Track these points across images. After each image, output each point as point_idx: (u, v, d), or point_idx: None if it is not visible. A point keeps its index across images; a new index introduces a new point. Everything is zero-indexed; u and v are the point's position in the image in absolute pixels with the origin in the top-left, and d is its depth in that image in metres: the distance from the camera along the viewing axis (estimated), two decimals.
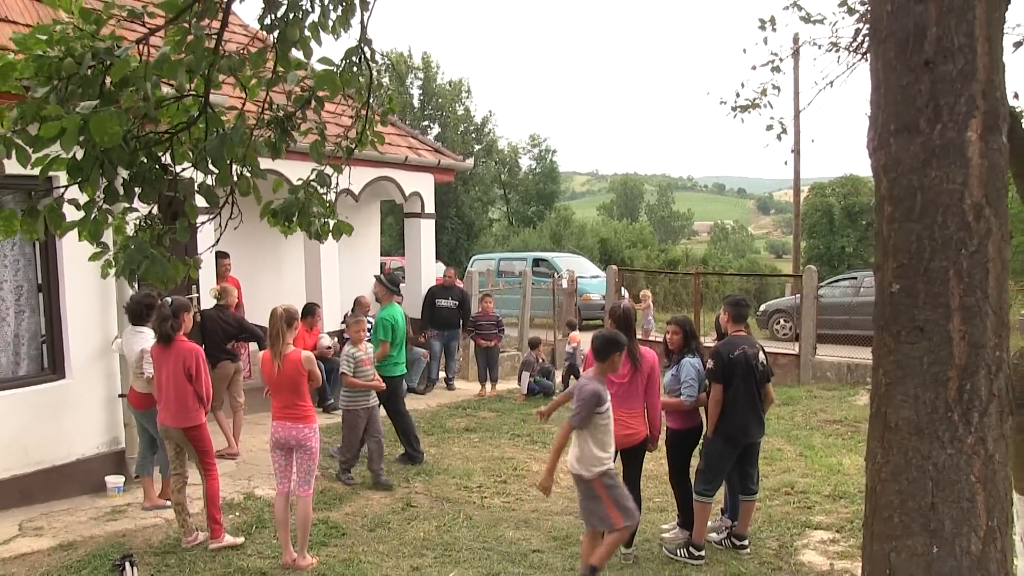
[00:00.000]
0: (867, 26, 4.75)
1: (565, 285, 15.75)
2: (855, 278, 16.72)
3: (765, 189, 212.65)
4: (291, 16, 2.75)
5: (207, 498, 5.48)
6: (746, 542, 5.64)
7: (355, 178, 9.00)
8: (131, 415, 6.46)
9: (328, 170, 3.37)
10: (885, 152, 2.14)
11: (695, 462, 5.73)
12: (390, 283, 8.18)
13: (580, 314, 16.64)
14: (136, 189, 2.71)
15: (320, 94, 3.05)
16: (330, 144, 3.42)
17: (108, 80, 2.46)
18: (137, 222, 2.96)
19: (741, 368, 5.39)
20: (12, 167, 2.50)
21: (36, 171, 2.57)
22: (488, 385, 11.47)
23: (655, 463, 7.16)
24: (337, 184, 3.48)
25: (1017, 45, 4.28)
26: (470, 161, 14.26)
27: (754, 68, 5.90)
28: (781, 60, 5.81)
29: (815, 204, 34.51)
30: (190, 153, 2.89)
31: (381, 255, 14.44)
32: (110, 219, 2.78)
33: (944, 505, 2.03)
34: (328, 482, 6.99)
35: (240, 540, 5.56)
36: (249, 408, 8.27)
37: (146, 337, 5.99)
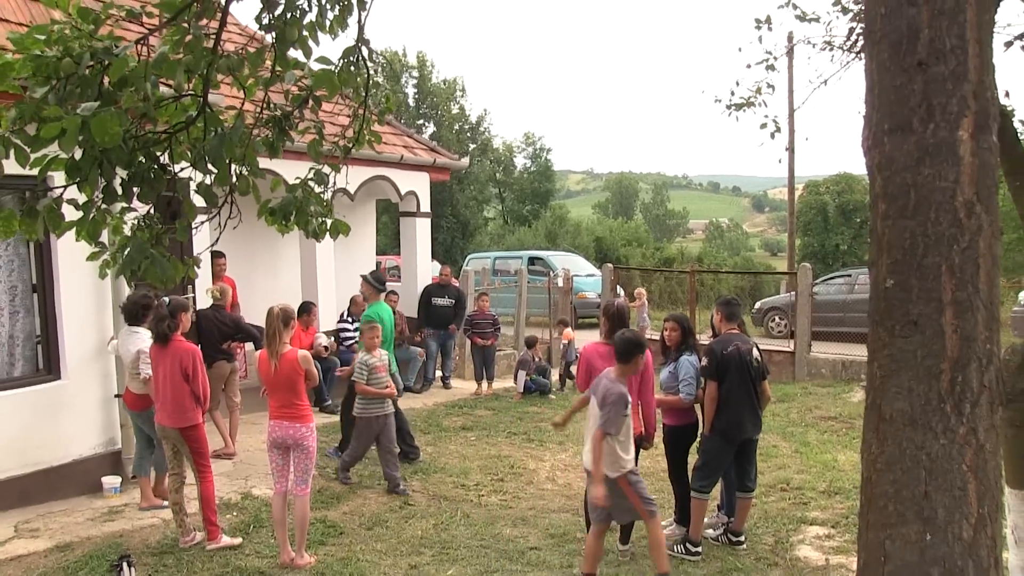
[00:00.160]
0: (861, 25, 4.78)
1: (561, 283, 15.78)
2: (849, 275, 16.79)
3: (760, 187, 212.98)
4: (289, 16, 2.76)
5: (202, 501, 5.48)
6: (742, 538, 5.67)
7: (351, 177, 8.99)
8: (127, 415, 6.46)
9: (326, 169, 3.38)
10: (879, 151, 2.19)
11: (692, 459, 5.76)
12: (376, 281, 8.15)
13: (576, 312, 16.67)
14: (134, 189, 2.72)
15: (318, 93, 3.06)
16: (327, 143, 3.44)
17: (106, 80, 2.47)
18: (136, 222, 2.96)
19: (735, 364, 5.43)
20: (9, 167, 2.49)
21: (33, 171, 2.58)
22: (484, 384, 11.48)
23: (651, 460, 7.20)
24: (335, 183, 3.50)
25: (1008, 44, 4.31)
26: (465, 160, 14.27)
27: (749, 67, 5.94)
28: (776, 59, 5.84)
29: (809, 202, 34.65)
30: (188, 153, 2.90)
31: (377, 254, 14.45)
32: (108, 219, 2.79)
33: (937, 493, 2.09)
34: (325, 481, 7.00)
35: (238, 541, 5.57)
36: (245, 408, 8.27)
37: (142, 338, 5.99)
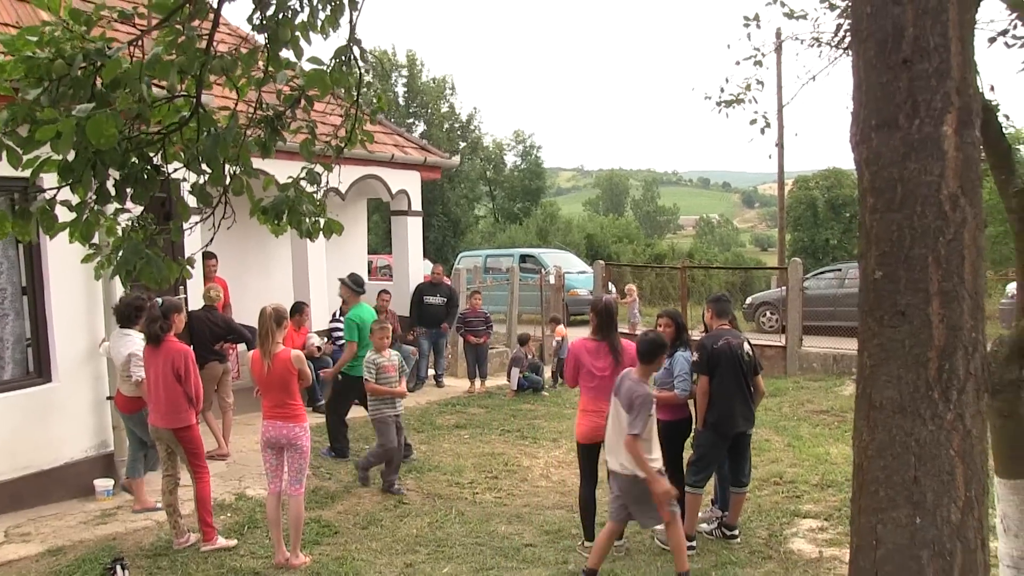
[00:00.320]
0: (848, 21, 4.81)
1: (552, 281, 15.81)
2: (839, 270, 16.87)
3: (750, 183, 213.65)
4: (281, 16, 2.77)
5: (198, 501, 5.47)
6: (736, 532, 5.71)
7: (342, 176, 8.98)
8: (119, 418, 6.44)
9: (318, 169, 3.39)
10: (867, 146, 2.24)
11: (687, 454, 5.79)
12: (354, 284, 8.14)
13: (567, 309, 16.71)
14: (128, 190, 2.72)
15: (310, 93, 3.07)
16: (320, 143, 3.44)
17: (99, 81, 2.47)
18: (129, 223, 2.96)
19: (725, 358, 5.48)
20: (0, 169, 2.49)
21: (25, 172, 2.57)
22: (477, 381, 11.50)
23: None
24: (327, 182, 3.50)
25: (991, 40, 4.35)
26: (456, 158, 14.28)
27: (738, 63, 5.95)
28: (764, 55, 5.86)
29: (799, 197, 34.80)
30: (181, 154, 2.90)
31: (368, 253, 14.43)
32: (102, 220, 2.79)
33: (926, 478, 2.14)
34: (319, 481, 7.01)
35: (233, 543, 5.56)
36: (238, 408, 8.26)
37: (133, 340, 5.98)
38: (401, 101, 39.28)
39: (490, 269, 20.10)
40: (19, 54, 2.44)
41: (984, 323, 2.21)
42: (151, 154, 2.79)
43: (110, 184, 2.67)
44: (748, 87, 6.00)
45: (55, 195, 2.61)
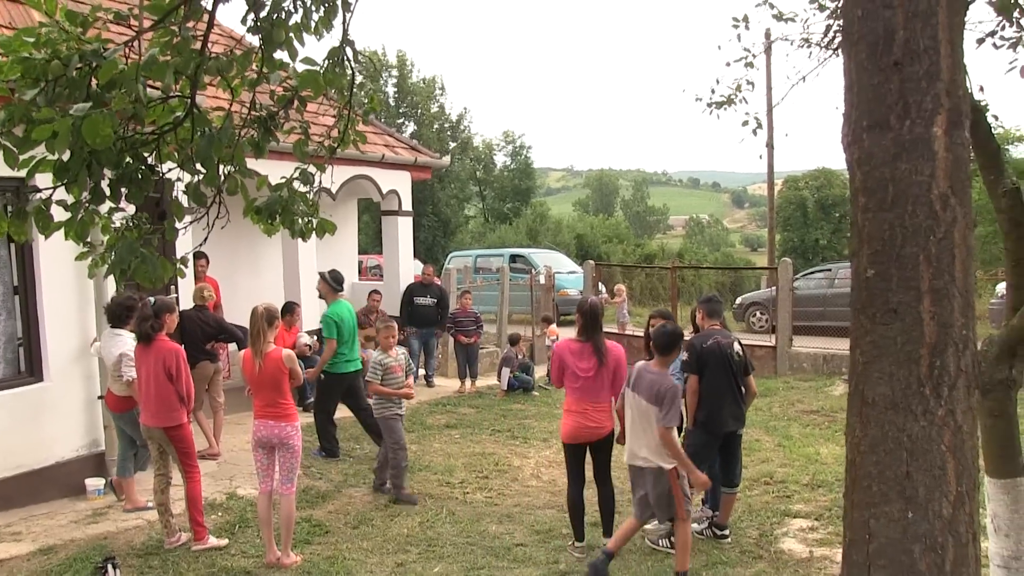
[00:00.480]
0: (837, 22, 4.85)
1: (543, 281, 15.83)
2: (829, 270, 16.95)
3: (739, 183, 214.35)
4: (276, 17, 2.78)
5: (189, 501, 5.46)
6: (727, 532, 5.74)
7: (333, 177, 8.97)
8: (110, 417, 6.42)
9: (311, 169, 3.40)
10: (859, 147, 2.27)
11: None
12: (333, 281, 8.11)
13: (558, 309, 16.73)
14: (123, 190, 2.73)
15: (303, 94, 3.08)
16: (313, 143, 3.45)
17: (94, 82, 2.47)
18: (124, 222, 2.97)
19: (714, 358, 5.52)
20: None
21: (20, 172, 2.58)
22: (468, 381, 11.51)
23: None
24: (319, 182, 3.51)
25: (980, 42, 4.39)
26: (446, 158, 14.28)
27: (728, 65, 5.98)
28: (754, 56, 5.89)
29: (789, 197, 34.93)
30: (176, 154, 2.91)
31: (358, 253, 14.42)
32: (97, 219, 2.79)
33: (918, 473, 2.18)
34: (311, 480, 7.00)
35: (224, 542, 5.56)
36: (229, 408, 8.24)
37: (124, 340, 5.96)
38: (391, 101, 39.21)
39: (480, 269, 20.11)
40: (16, 55, 2.45)
41: (975, 321, 2.25)
42: (146, 154, 2.79)
43: (105, 184, 2.67)
44: (739, 88, 6.03)
45: (51, 195, 2.61)
